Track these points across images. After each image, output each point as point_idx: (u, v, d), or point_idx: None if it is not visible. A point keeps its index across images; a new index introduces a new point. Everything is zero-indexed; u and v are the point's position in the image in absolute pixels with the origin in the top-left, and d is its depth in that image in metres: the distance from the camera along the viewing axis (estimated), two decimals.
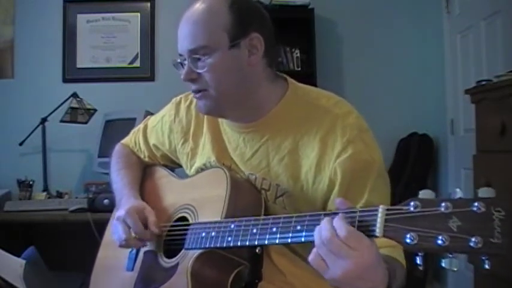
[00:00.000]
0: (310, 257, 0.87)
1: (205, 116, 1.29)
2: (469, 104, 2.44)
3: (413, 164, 3.27)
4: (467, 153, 2.48)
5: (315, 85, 1.28)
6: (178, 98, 1.38)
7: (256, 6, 1.18)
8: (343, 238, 0.82)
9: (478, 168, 2.31)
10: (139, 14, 3.51)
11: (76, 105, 3.13)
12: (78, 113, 3.15)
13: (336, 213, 0.88)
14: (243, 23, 1.12)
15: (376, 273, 0.84)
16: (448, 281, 3.25)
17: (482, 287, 2.25)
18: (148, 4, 3.50)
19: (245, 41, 1.12)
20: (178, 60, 1.17)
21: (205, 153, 1.28)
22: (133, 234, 1.21)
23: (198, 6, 1.14)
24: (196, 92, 1.16)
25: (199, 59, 1.12)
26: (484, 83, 2.29)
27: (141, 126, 1.49)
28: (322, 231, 0.85)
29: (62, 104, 3.13)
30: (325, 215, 0.90)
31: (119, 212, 1.25)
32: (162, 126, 1.40)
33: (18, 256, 1.89)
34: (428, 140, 3.39)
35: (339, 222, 0.84)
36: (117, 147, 1.54)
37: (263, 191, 1.17)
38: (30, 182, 3.00)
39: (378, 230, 0.81)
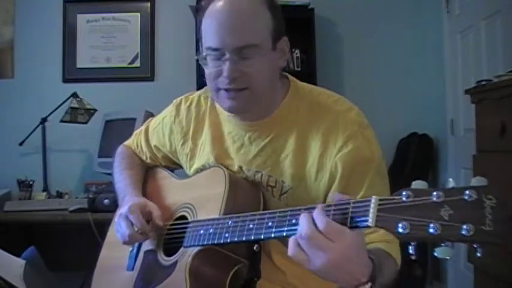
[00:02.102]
0: (290, 251, 0.87)
1: (207, 117, 1.29)
2: (469, 104, 2.44)
3: (413, 164, 3.27)
4: (467, 153, 2.48)
5: (315, 85, 1.28)
6: (178, 99, 1.38)
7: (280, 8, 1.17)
8: (324, 231, 0.83)
9: (477, 168, 2.31)
10: (139, 14, 3.51)
11: (76, 105, 3.13)
12: (78, 113, 3.15)
13: (328, 206, 0.88)
14: (280, 25, 1.13)
15: (355, 264, 0.84)
16: (448, 281, 3.25)
17: (482, 287, 2.25)
18: (148, 4, 3.50)
19: (280, 44, 1.13)
20: (204, 54, 1.11)
21: (204, 154, 1.28)
22: (136, 230, 1.21)
23: (238, 1, 1.09)
24: (234, 90, 1.11)
25: (247, 57, 1.08)
26: (484, 83, 2.29)
27: (142, 128, 1.50)
28: (302, 225, 0.86)
29: (62, 104, 3.13)
30: (306, 209, 0.90)
31: (122, 209, 1.26)
32: (162, 127, 1.40)
33: (18, 256, 1.89)
34: (428, 140, 3.39)
35: (318, 216, 0.85)
36: (120, 149, 1.55)
37: (269, 187, 1.18)
38: (30, 182, 3.00)
39: (371, 220, 0.81)
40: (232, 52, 1.07)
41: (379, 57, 3.51)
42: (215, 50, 1.09)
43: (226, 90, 1.12)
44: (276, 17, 1.12)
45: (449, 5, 3.32)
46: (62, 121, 3.13)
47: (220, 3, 1.09)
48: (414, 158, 3.29)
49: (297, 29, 3.33)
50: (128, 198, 1.32)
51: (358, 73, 3.51)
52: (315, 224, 0.85)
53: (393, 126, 3.32)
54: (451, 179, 0.78)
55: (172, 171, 1.45)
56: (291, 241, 0.87)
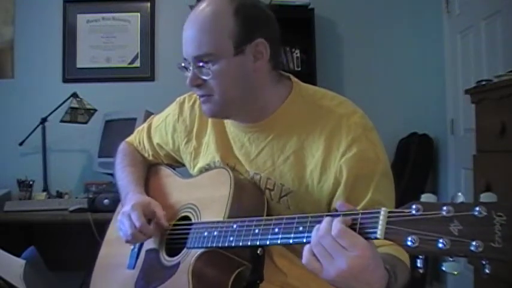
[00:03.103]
0: (304, 258, 0.87)
1: None
2: (469, 104, 2.44)
3: (413, 164, 3.27)
4: (467, 153, 2.48)
5: (315, 85, 1.27)
6: (182, 97, 1.38)
7: (262, 10, 1.16)
8: (335, 236, 0.83)
9: (478, 168, 2.31)
10: (139, 14, 3.51)
11: (76, 105, 3.13)
12: (78, 113, 3.15)
13: (337, 215, 0.88)
14: (248, 29, 1.11)
15: (373, 274, 0.84)
16: (447, 282, 3.25)
17: None
18: (148, 4, 3.50)
19: (250, 47, 1.12)
20: (183, 64, 1.17)
21: (209, 153, 1.28)
22: (137, 227, 1.21)
23: (203, 9, 1.13)
24: (203, 96, 1.16)
25: (204, 66, 1.11)
26: (484, 83, 2.29)
27: (145, 125, 1.50)
28: (319, 229, 0.86)
29: (62, 104, 3.13)
30: (327, 216, 0.90)
31: (125, 208, 1.26)
32: (165, 125, 1.40)
33: (18, 256, 1.89)
34: (428, 140, 3.39)
35: (335, 222, 0.85)
36: (122, 145, 1.54)
37: (267, 190, 1.18)
38: (30, 182, 2.99)
39: (379, 232, 0.81)
40: (192, 61, 1.13)
41: (379, 57, 3.51)
42: (185, 59, 1.16)
43: (199, 96, 1.17)
44: (244, 20, 1.11)
45: (449, 5, 3.33)
46: (62, 121, 3.13)
47: (189, 15, 1.15)
48: (414, 158, 3.29)
49: (297, 29, 3.34)
50: (131, 195, 1.31)
51: (358, 73, 3.52)
52: (330, 232, 0.84)
53: (393, 126, 3.32)
54: (460, 194, 0.77)
55: (174, 169, 1.44)
56: (306, 249, 0.87)
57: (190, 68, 1.13)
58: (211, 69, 1.11)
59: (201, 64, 1.11)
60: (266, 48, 1.13)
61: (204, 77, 1.12)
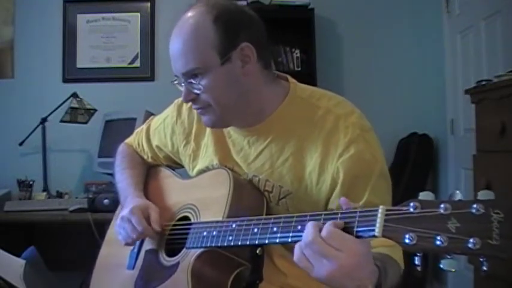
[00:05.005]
0: (295, 257, 0.88)
1: None
2: (469, 104, 2.44)
3: (413, 164, 3.27)
4: (467, 153, 2.48)
5: (315, 85, 1.27)
6: (180, 99, 1.37)
7: (241, 12, 1.15)
8: (325, 238, 0.84)
9: (478, 168, 2.31)
10: (139, 14, 3.51)
11: (76, 105, 3.13)
12: (78, 113, 3.15)
13: (335, 213, 0.88)
14: (231, 36, 1.10)
15: (363, 271, 0.85)
16: (447, 281, 3.25)
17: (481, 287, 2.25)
18: (148, 4, 3.50)
19: (236, 53, 1.11)
20: (176, 81, 1.17)
21: (207, 155, 1.28)
22: (138, 230, 1.22)
23: (184, 23, 1.13)
24: (200, 109, 1.17)
25: (193, 81, 1.11)
26: (484, 83, 2.29)
27: (144, 126, 1.50)
28: (307, 233, 0.86)
29: (62, 104, 3.13)
30: (326, 215, 0.90)
31: (123, 211, 1.26)
32: (164, 128, 1.40)
33: (18, 256, 1.89)
34: (428, 140, 3.39)
35: (326, 225, 0.86)
36: (121, 147, 1.55)
37: (266, 192, 1.18)
38: (30, 182, 2.99)
39: (377, 229, 0.81)
40: (182, 78, 1.14)
41: (379, 57, 3.51)
42: (176, 76, 1.16)
43: (196, 109, 1.19)
44: (225, 28, 1.10)
45: (449, 5, 3.33)
46: (62, 121, 3.13)
47: (174, 29, 1.17)
48: (414, 158, 3.29)
49: (297, 29, 3.34)
50: (130, 199, 1.31)
51: (358, 73, 3.52)
52: (319, 233, 0.85)
53: (393, 126, 3.32)
54: (458, 191, 0.77)
55: (173, 170, 1.44)
56: (296, 248, 0.88)
57: (183, 84, 1.14)
58: (201, 83, 1.11)
59: (191, 80, 1.12)
60: (252, 51, 1.12)
61: (196, 91, 1.12)
